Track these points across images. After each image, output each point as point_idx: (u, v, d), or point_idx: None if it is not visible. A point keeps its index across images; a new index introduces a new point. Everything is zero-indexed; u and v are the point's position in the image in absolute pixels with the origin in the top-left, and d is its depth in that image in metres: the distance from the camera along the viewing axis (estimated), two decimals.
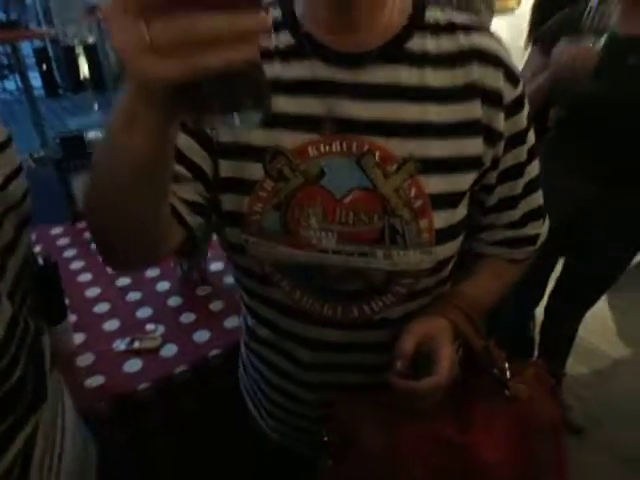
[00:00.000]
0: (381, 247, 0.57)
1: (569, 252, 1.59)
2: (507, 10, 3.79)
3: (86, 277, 1.28)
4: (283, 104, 0.56)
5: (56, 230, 1.51)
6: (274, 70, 0.56)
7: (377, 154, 0.55)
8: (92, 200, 0.46)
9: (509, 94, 0.58)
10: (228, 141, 0.58)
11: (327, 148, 0.56)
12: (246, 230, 0.59)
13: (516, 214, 0.66)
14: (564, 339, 1.78)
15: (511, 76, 0.58)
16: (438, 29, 0.57)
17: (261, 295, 0.66)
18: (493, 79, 0.56)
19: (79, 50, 6.31)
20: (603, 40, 1.07)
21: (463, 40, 0.56)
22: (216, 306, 1.19)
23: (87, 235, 1.49)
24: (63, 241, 1.46)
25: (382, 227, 0.57)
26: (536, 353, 1.85)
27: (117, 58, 6.58)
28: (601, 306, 1.73)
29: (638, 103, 1.18)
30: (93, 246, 1.42)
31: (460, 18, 0.58)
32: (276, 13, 0.59)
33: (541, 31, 1.37)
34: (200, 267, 1.28)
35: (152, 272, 1.31)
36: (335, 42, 0.55)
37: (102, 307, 1.17)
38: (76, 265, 1.34)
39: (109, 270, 1.31)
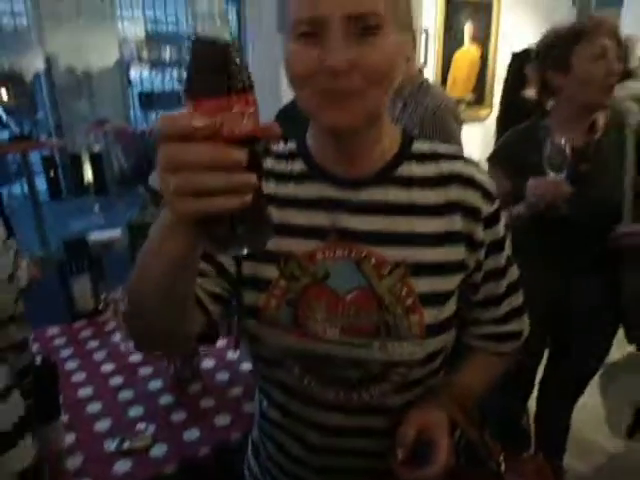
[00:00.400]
0: (377, 339, 0.65)
1: (551, 346, 1.64)
2: (480, 118, 4.17)
3: (80, 376, 1.30)
4: (296, 217, 0.68)
5: (53, 330, 1.55)
6: (289, 190, 0.69)
7: (373, 259, 0.65)
8: (135, 293, 0.54)
9: (487, 209, 0.68)
10: None
11: (332, 254, 0.66)
12: (262, 322, 0.68)
13: (500, 311, 0.75)
14: (559, 430, 1.76)
15: (487, 195, 0.69)
16: (423, 157, 0.69)
17: (274, 379, 0.73)
18: (471, 198, 0.67)
19: (85, 157, 6.72)
20: (564, 173, 1.23)
21: (444, 166, 0.68)
22: (207, 403, 1.20)
23: (84, 334, 1.53)
24: (59, 341, 1.50)
25: (378, 322, 0.65)
26: (533, 445, 1.82)
27: (119, 165, 7.00)
28: (593, 394, 1.73)
29: (596, 203, 1.32)
30: (88, 345, 1.47)
31: (442, 148, 0.71)
32: (293, 145, 0.73)
33: (492, 153, 1.53)
34: (193, 365, 1.31)
35: (145, 370, 1.34)
36: (339, 169, 0.68)
37: (94, 407, 1.18)
38: (71, 365, 1.36)
39: (103, 369, 1.34)
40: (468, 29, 3.86)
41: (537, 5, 4.30)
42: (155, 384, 1.27)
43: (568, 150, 1.22)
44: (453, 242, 0.67)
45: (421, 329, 0.65)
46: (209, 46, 0.36)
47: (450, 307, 0.68)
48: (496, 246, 0.71)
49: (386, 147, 0.68)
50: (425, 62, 3.58)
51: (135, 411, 1.17)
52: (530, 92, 2.59)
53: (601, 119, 1.37)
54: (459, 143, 1.78)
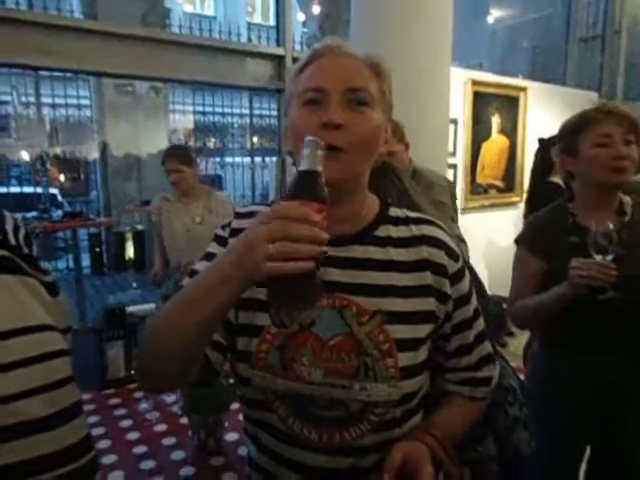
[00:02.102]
0: (357, 380, 0.71)
1: (595, 440, 1.52)
2: (511, 204, 4.23)
3: (105, 444, 1.31)
4: None
5: (84, 397, 1.57)
6: None
7: (354, 308, 0.72)
8: (162, 329, 0.65)
9: (452, 268, 0.77)
10: (246, 297, 0.70)
11: (317, 303, 0.71)
12: (253, 365, 0.73)
13: (472, 359, 0.82)
14: None
15: (452, 254, 0.78)
16: (398, 221, 0.79)
17: (261, 421, 0.77)
18: (438, 257, 0.76)
19: (128, 235, 7.09)
20: (612, 255, 1.22)
21: (414, 229, 0.78)
22: (229, 478, 1.17)
23: (111, 402, 1.55)
24: (88, 407, 1.51)
25: (358, 364, 0.71)
26: None
27: (159, 242, 7.33)
28: None
29: (634, 286, 1.28)
30: (115, 412, 1.48)
31: (413, 215, 0.81)
32: None
33: (520, 234, 1.55)
34: (217, 436, 1.30)
35: (168, 440, 1.33)
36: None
37: (116, 475, 1.17)
38: (97, 431, 1.37)
39: (128, 437, 1.34)
40: (495, 120, 4.04)
41: (563, 98, 4.51)
42: (178, 454, 1.26)
43: (615, 234, 1.21)
44: (424, 295, 0.75)
45: (396, 371, 0.71)
46: (313, 173, 0.56)
47: (423, 353, 0.75)
48: (463, 300, 0.79)
49: (367, 211, 0.78)
50: (454, 150, 3.74)
51: None
52: (556, 177, 2.65)
53: (629, 201, 1.38)
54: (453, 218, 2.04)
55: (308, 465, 0.74)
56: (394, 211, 0.80)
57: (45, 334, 0.55)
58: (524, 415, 1.02)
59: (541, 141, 2.83)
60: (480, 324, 0.83)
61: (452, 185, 2.21)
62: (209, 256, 0.77)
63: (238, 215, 0.80)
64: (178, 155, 2.59)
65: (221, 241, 0.78)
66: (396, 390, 0.71)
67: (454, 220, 2.14)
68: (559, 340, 1.47)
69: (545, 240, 1.42)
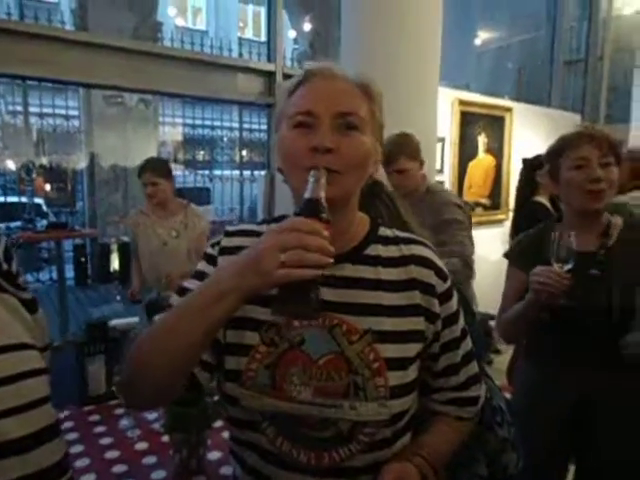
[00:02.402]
0: (347, 400, 0.71)
1: (578, 454, 1.53)
2: (497, 222, 4.28)
3: (84, 462, 1.27)
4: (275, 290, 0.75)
5: (63, 413, 1.54)
6: None
7: (344, 327, 0.72)
8: (151, 349, 0.65)
9: (440, 287, 0.77)
10: (235, 316, 0.70)
11: (307, 322, 0.73)
12: (242, 384, 0.72)
13: (459, 379, 0.82)
14: None
15: (440, 274, 0.78)
16: (387, 241, 0.79)
17: (249, 442, 0.75)
18: (427, 276, 0.77)
19: (113, 247, 7.01)
20: (570, 265, 1.25)
21: (404, 249, 0.79)
22: None
23: (91, 418, 1.51)
24: (67, 424, 1.48)
25: (348, 383, 0.71)
26: None
27: (136, 258, 7.25)
28: None
29: (604, 306, 1.32)
30: (95, 430, 1.44)
31: (403, 235, 0.82)
32: (274, 226, 0.81)
33: (509, 250, 1.59)
34: (199, 455, 1.27)
35: (149, 459, 1.30)
36: None
37: None
38: (75, 449, 1.33)
39: (107, 455, 1.30)
40: (482, 140, 4.11)
41: (548, 119, 4.61)
42: (159, 474, 1.23)
43: (574, 244, 1.24)
44: (413, 314, 0.75)
45: (386, 391, 0.71)
46: (318, 200, 0.62)
47: (412, 372, 0.75)
48: (451, 319, 0.79)
49: (357, 231, 0.78)
50: (442, 168, 3.79)
51: None
52: (541, 197, 2.70)
53: (618, 224, 1.40)
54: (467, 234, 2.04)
55: None
56: (384, 231, 0.81)
57: (23, 353, 0.54)
58: (512, 435, 1.02)
59: (525, 161, 2.88)
60: (468, 344, 0.84)
61: (467, 206, 2.22)
62: (199, 275, 0.77)
63: (228, 233, 0.80)
64: (155, 168, 2.54)
65: (210, 260, 0.78)
66: (386, 410, 0.71)
67: (471, 240, 2.11)
68: (541, 355, 1.49)
69: (530, 257, 1.44)
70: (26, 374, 0.53)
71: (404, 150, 2.03)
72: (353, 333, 0.72)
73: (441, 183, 3.78)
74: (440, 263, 0.80)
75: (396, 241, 0.80)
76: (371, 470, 0.72)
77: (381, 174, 1.95)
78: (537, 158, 2.77)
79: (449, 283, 0.80)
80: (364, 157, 0.71)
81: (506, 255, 1.55)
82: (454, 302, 0.80)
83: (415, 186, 2.09)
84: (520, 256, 1.49)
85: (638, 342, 1.27)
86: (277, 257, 0.57)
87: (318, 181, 0.63)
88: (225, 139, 8.90)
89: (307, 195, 0.63)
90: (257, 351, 0.73)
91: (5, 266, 0.59)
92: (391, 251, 0.78)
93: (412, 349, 0.75)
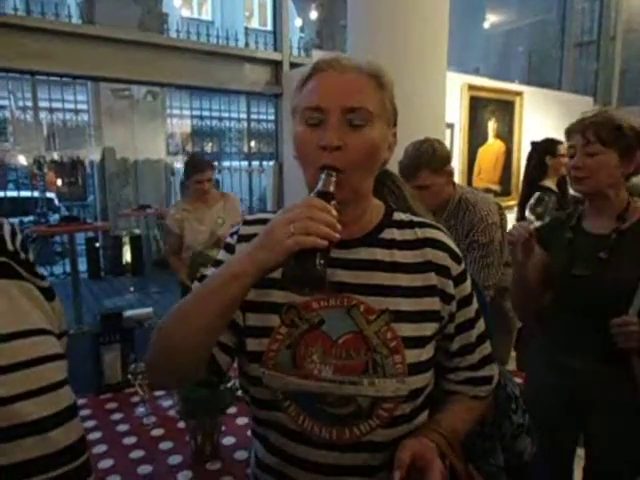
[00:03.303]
0: (366, 376, 0.73)
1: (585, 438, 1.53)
2: (507, 208, 4.25)
3: (101, 448, 1.30)
4: None
5: (80, 401, 1.57)
6: None
7: (362, 307, 0.75)
8: (172, 331, 0.69)
9: (455, 269, 0.81)
10: (253, 299, 0.77)
11: (325, 303, 0.76)
12: (264, 365, 0.75)
13: (474, 358, 0.85)
14: None
15: (454, 257, 0.81)
16: (402, 225, 0.82)
17: (271, 421, 0.78)
18: (442, 259, 0.80)
19: (125, 239, 7.08)
20: (538, 224, 1.33)
21: (419, 232, 0.82)
22: None
23: (108, 406, 1.54)
24: (84, 412, 1.51)
25: (367, 361, 0.74)
26: None
27: (156, 247, 7.33)
28: None
29: (611, 289, 1.32)
30: (112, 417, 1.47)
31: (417, 219, 0.85)
32: None
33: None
34: (213, 440, 1.30)
35: (165, 445, 1.32)
36: None
37: None
38: (93, 436, 1.37)
39: (124, 442, 1.33)
40: (492, 125, 4.07)
41: (559, 103, 4.54)
42: (175, 459, 1.26)
43: (551, 204, 1.33)
44: (429, 295, 0.78)
45: (404, 368, 0.74)
46: (328, 193, 0.68)
47: (428, 351, 0.77)
48: (465, 301, 0.82)
49: (372, 216, 0.81)
50: (451, 155, 3.76)
51: None
52: (549, 181, 2.67)
53: (635, 208, 1.39)
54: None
55: (319, 463, 0.75)
56: (398, 215, 0.84)
57: (41, 338, 0.56)
58: (526, 421, 1.02)
59: (534, 144, 2.84)
60: (481, 324, 0.86)
61: (503, 216, 1.98)
62: (217, 263, 0.80)
63: (246, 222, 0.84)
64: (209, 164, 2.77)
65: (229, 248, 0.82)
66: (404, 386, 0.73)
67: (494, 262, 1.84)
68: (545, 340, 1.52)
69: (549, 234, 1.48)
70: (45, 358, 0.55)
71: (424, 163, 1.77)
72: (371, 313, 0.74)
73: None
74: (454, 246, 0.83)
75: (411, 225, 0.83)
76: (390, 445, 0.75)
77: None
78: (547, 141, 2.74)
79: (463, 266, 0.83)
80: (372, 152, 0.73)
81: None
82: (468, 284, 0.83)
83: (441, 202, 1.87)
84: (540, 233, 1.50)
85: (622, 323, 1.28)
86: (288, 229, 0.61)
87: (329, 179, 0.68)
88: (233, 130, 8.91)
89: (318, 189, 0.68)
90: (278, 332, 0.75)
91: (22, 255, 0.60)
92: (406, 234, 0.81)
93: (428, 328, 0.77)
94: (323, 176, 0.69)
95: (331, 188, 0.68)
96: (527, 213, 1.35)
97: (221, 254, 0.82)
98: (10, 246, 0.59)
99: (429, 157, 1.78)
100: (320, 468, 0.76)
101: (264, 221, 0.81)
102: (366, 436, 0.74)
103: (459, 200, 1.89)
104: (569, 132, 1.41)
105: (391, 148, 0.79)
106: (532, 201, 1.35)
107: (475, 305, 0.85)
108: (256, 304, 0.77)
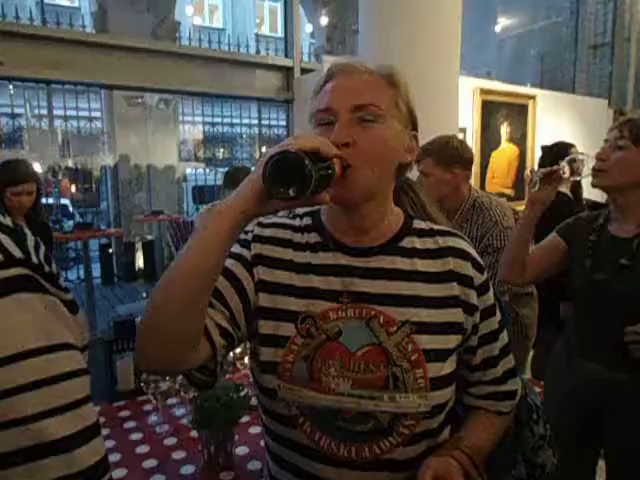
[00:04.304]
0: (386, 391, 0.70)
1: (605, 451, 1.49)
2: (521, 212, 4.20)
3: (115, 457, 1.30)
4: (312, 281, 0.75)
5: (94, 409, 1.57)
6: (305, 258, 0.78)
7: (381, 318, 0.72)
8: (164, 284, 0.64)
9: (478, 279, 0.78)
10: (269, 306, 0.75)
11: (344, 314, 0.73)
12: (279, 376, 0.72)
13: (498, 372, 0.82)
14: None
15: (477, 266, 0.79)
16: (422, 233, 0.80)
17: (285, 438, 0.76)
18: (465, 268, 0.78)
19: (138, 245, 7.13)
20: (568, 176, 1.35)
21: (440, 241, 0.79)
22: None
23: (121, 414, 1.54)
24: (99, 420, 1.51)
25: (387, 375, 0.71)
26: None
27: (169, 253, 7.38)
28: None
29: (631, 296, 1.28)
30: (125, 425, 1.47)
31: (438, 227, 0.82)
32: (308, 220, 0.82)
33: (560, 227, 1.56)
34: (227, 450, 1.28)
35: (178, 454, 1.31)
36: (350, 240, 0.77)
37: None
38: (106, 444, 1.36)
39: (137, 450, 1.33)
40: (505, 129, 4.03)
41: (572, 106, 4.49)
42: (188, 469, 1.25)
43: (590, 164, 1.32)
44: (451, 305, 0.75)
45: (426, 382, 0.71)
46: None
47: (450, 364, 0.74)
48: (489, 312, 0.80)
49: (391, 223, 0.79)
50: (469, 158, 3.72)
51: None
52: (562, 186, 2.63)
53: None
54: None
55: None
56: (418, 223, 0.82)
57: (66, 353, 0.55)
58: (548, 432, 1.00)
59: (544, 149, 2.80)
60: (504, 337, 0.83)
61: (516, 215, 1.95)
62: (231, 254, 0.76)
63: (260, 224, 0.82)
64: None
65: (244, 243, 0.79)
66: (426, 401, 0.71)
67: None
68: (564, 346, 1.49)
69: (575, 231, 1.47)
70: (70, 374, 0.53)
71: (432, 153, 1.82)
72: (391, 324, 0.72)
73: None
74: (476, 255, 0.81)
75: (432, 233, 0.80)
76: (412, 463, 0.72)
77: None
78: (558, 145, 2.70)
79: (486, 275, 0.80)
80: (383, 149, 0.72)
81: (556, 230, 1.55)
82: (491, 294, 0.80)
83: (440, 196, 1.84)
84: (568, 228, 1.50)
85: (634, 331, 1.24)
86: (292, 142, 0.60)
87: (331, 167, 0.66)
88: (244, 136, 8.96)
89: None
90: (293, 342, 0.73)
91: (47, 268, 0.60)
92: (427, 243, 0.79)
93: (451, 341, 0.75)
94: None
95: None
96: (562, 163, 1.33)
97: (235, 247, 0.77)
98: (34, 259, 0.58)
99: (439, 147, 1.83)
100: None
101: (279, 225, 0.81)
102: (386, 454, 0.72)
103: (473, 203, 1.87)
104: (610, 129, 1.40)
105: (411, 151, 0.77)
106: (568, 158, 1.34)
107: (498, 316, 0.82)
108: (271, 311, 0.75)
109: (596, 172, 1.35)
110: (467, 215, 1.88)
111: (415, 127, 0.78)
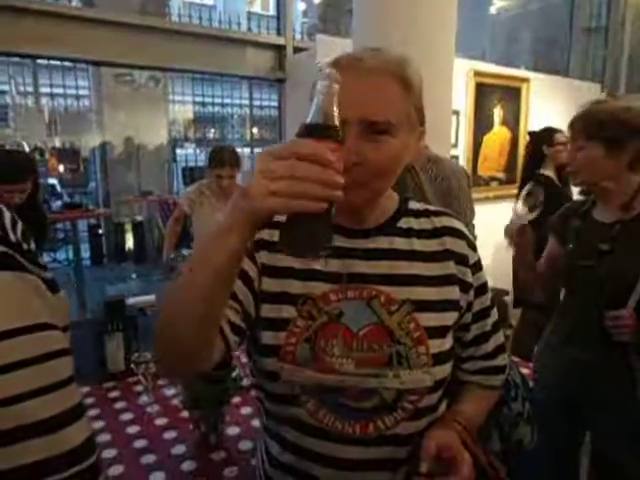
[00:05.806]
0: (390, 369, 0.72)
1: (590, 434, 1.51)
2: (511, 197, 4.21)
3: (105, 437, 1.29)
4: (311, 264, 0.75)
5: (83, 389, 1.56)
6: None
7: (382, 298, 0.73)
8: (172, 306, 0.61)
9: (472, 257, 0.81)
10: (269, 290, 0.75)
11: (344, 295, 0.74)
12: (281, 359, 0.73)
13: (489, 347, 0.85)
14: None
15: (471, 245, 0.82)
16: (418, 214, 0.82)
17: (287, 418, 0.76)
18: (460, 247, 0.80)
19: (127, 226, 7.07)
20: (530, 217, 1.40)
21: (436, 221, 0.82)
22: (231, 472, 1.17)
23: (111, 395, 1.54)
24: (87, 400, 1.50)
25: (390, 353, 0.72)
26: None
27: (158, 234, 7.31)
28: None
29: (612, 281, 1.30)
30: (115, 406, 1.47)
31: (432, 207, 0.85)
32: None
33: (549, 221, 1.58)
34: (218, 430, 1.29)
35: (169, 434, 1.32)
36: (348, 223, 0.77)
37: (116, 469, 1.16)
38: (96, 425, 1.36)
39: (128, 431, 1.33)
40: (498, 112, 4.01)
41: (566, 89, 4.47)
42: (179, 449, 1.25)
43: (541, 198, 1.36)
44: (449, 283, 0.77)
45: (429, 358, 0.73)
46: (330, 112, 0.51)
47: (449, 340, 0.77)
48: (482, 289, 0.82)
49: (386, 205, 0.80)
50: (456, 142, 3.71)
51: (156, 477, 1.14)
52: (547, 170, 2.64)
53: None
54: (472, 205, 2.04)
55: (342, 458, 0.74)
56: (413, 204, 0.84)
57: (48, 333, 0.54)
58: (527, 410, 1.02)
59: (531, 134, 2.81)
60: (495, 313, 0.86)
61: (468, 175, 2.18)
62: None
63: None
64: (234, 162, 2.60)
65: None
66: (429, 376, 0.73)
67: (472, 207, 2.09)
68: (550, 332, 1.53)
69: (561, 224, 1.51)
70: (51, 354, 0.52)
71: None
72: (392, 303, 0.73)
73: (455, 157, 3.71)
74: (469, 234, 0.83)
75: (427, 214, 0.82)
76: (415, 437, 0.74)
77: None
78: (544, 130, 2.71)
79: (478, 254, 0.83)
80: (393, 163, 0.71)
81: (551, 227, 1.59)
82: (484, 272, 0.83)
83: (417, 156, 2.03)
84: (558, 222, 1.55)
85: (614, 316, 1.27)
86: (264, 184, 0.49)
87: (330, 87, 0.51)
88: (235, 116, 8.84)
89: (317, 102, 0.51)
90: (295, 325, 0.73)
91: (25, 245, 0.58)
92: (423, 223, 0.81)
93: (449, 317, 0.77)
94: (324, 84, 0.51)
95: (335, 103, 0.51)
96: (520, 205, 1.37)
97: None
98: (12, 236, 0.57)
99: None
100: (343, 464, 0.74)
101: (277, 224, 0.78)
102: (391, 429, 0.73)
103: (428, 158, 1.99)
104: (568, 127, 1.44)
105: (416, 149, 0.76)
106: (526, 190, 1.39)
107: (490, 293, 0.84)
108: (271, 294, 0.75)
109: (571, 174, 1.42)
110: (424, 167, 1.97)
111: (423, 123, 0.77)
